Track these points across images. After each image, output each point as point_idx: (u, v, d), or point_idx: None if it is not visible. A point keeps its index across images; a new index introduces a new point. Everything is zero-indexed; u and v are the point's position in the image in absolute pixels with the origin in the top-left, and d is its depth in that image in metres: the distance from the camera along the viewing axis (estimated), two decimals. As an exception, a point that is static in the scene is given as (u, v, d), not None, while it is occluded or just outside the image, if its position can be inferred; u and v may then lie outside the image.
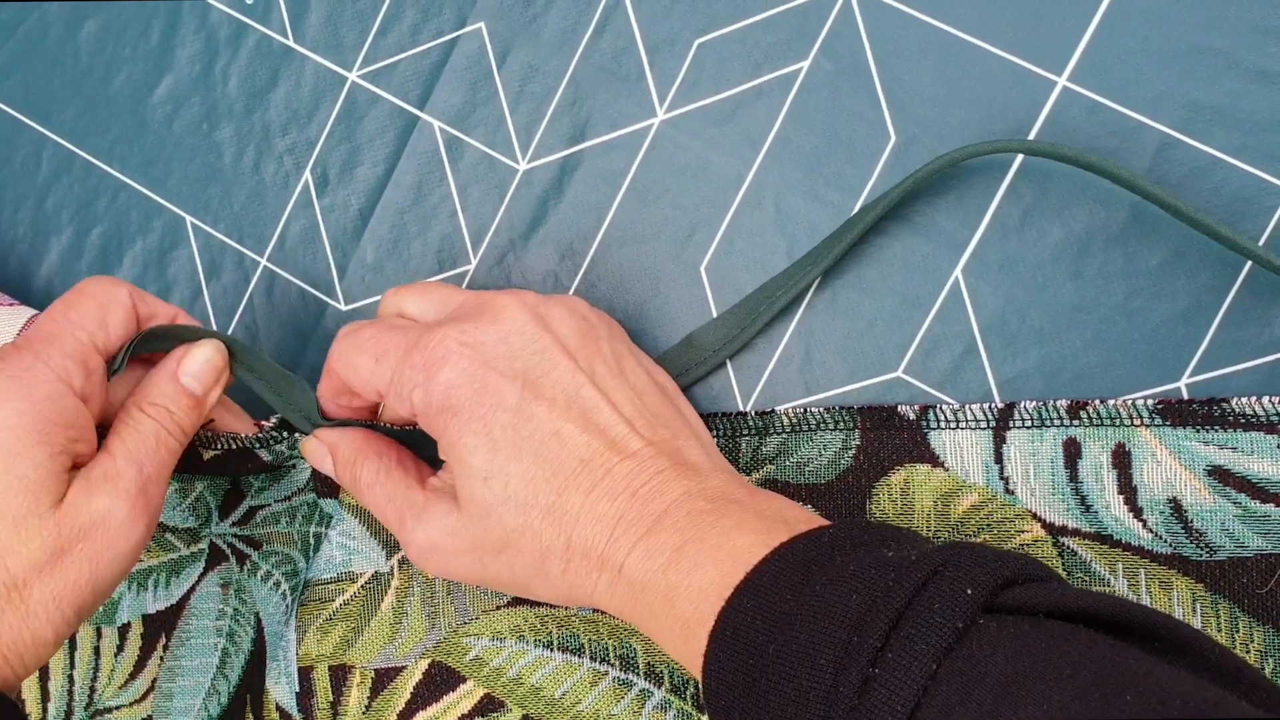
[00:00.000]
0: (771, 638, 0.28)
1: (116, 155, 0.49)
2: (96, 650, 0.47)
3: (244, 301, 0.47)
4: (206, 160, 0.47)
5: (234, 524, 0.45)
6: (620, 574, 0.33)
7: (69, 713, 0.47)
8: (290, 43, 0.46)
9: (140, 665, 0.46)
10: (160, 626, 0.46)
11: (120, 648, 0.47)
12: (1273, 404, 0.34)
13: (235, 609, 0.45)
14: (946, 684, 0.25)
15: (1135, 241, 0.37)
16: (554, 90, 0.43)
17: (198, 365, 0.39)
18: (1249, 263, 0.36)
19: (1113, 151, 0.37)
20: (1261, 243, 0.36)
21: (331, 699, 0.43)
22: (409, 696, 0.42)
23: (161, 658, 0.46)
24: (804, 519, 0.33)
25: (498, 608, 0.41)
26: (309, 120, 0.46)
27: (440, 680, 0.42)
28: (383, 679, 0.42)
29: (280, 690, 0.43)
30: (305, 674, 0.43)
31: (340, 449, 0.39)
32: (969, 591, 0.27)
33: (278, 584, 0.44)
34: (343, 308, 0.45)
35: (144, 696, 0.46)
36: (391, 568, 0.42)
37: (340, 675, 0.43)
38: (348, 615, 0.43)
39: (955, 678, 0.25)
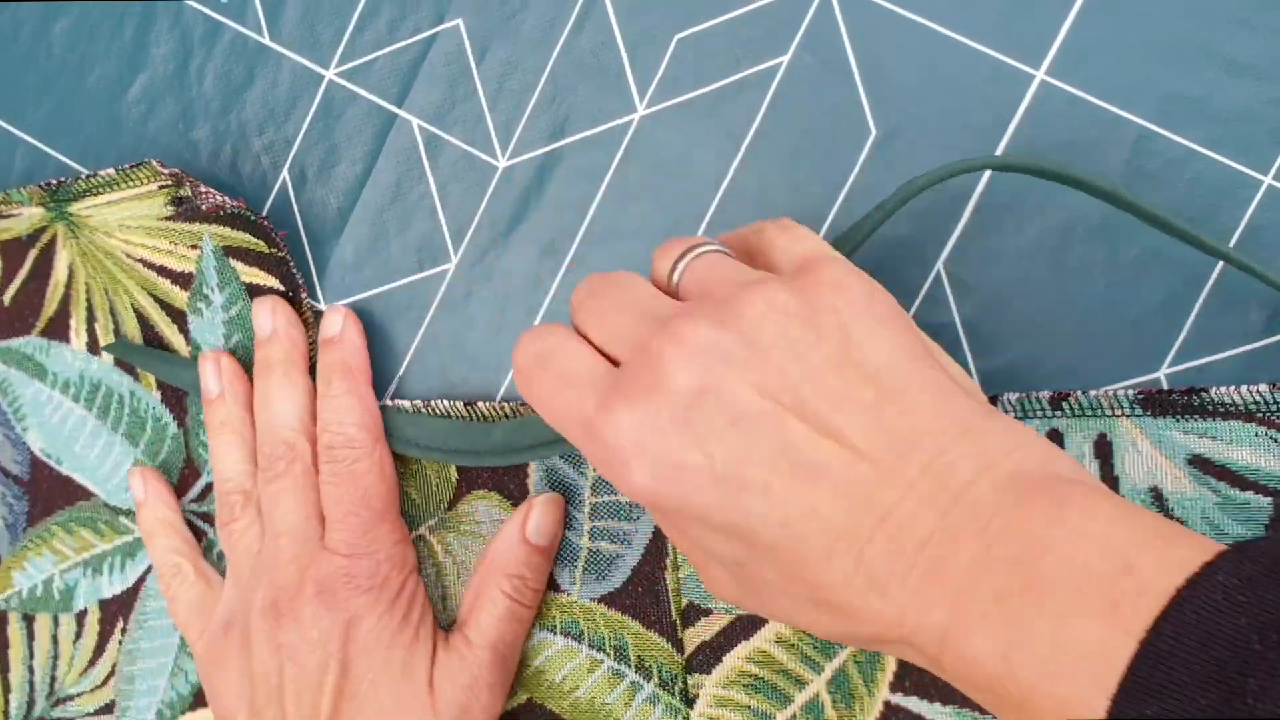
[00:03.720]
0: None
1: (91, 155, 0.48)
2: (55, 639, 0.47)
3: (222, 302, 0.47)
4: (182, 159, 0.47)
5: (192, 500, 0.45)
6: (942, 669, 0.27)
7: (31, 704, 0.47)
8: (266, 40, 0.46)
9: (99, 651, 0.46)
10: (117, 610, 0.46)
11: (78, 635, 0.47)
12: (1251, 392, 0.35)
13: None
14: None
15: (1115, 233, 0.37)
16: (533, 86, 0.43)
17: (547, 522, 0.40)
18: (1227, 253, 0.36)
19: (1091, 143, 0.37)
20: (1238, 233, 0.36)
21: None
22: None
23: (120, 642, 0.46)
24: (1148, 553, 0.24)
25: None
26: (286, 119, 0.46)
27: None
28: None
29: None
30: None
31: None
32: None
33: None
34: (322, 307, 0.45)
35: (105, 682, 0.46)
36: None
37: None
38: None
39: None
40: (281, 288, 0.44)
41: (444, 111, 0.44)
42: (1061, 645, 0.23)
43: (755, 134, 0.40)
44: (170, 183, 0.44)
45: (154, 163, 0.43)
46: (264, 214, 0.46)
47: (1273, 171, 0.36)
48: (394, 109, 0.44)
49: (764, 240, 0.34)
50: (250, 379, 0.44)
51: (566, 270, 0.42)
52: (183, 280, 0.45)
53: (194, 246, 0.45)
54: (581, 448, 0.31)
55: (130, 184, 0.44)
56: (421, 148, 0.44)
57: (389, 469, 0.42)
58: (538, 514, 0.40)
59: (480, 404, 0.41)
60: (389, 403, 0.43)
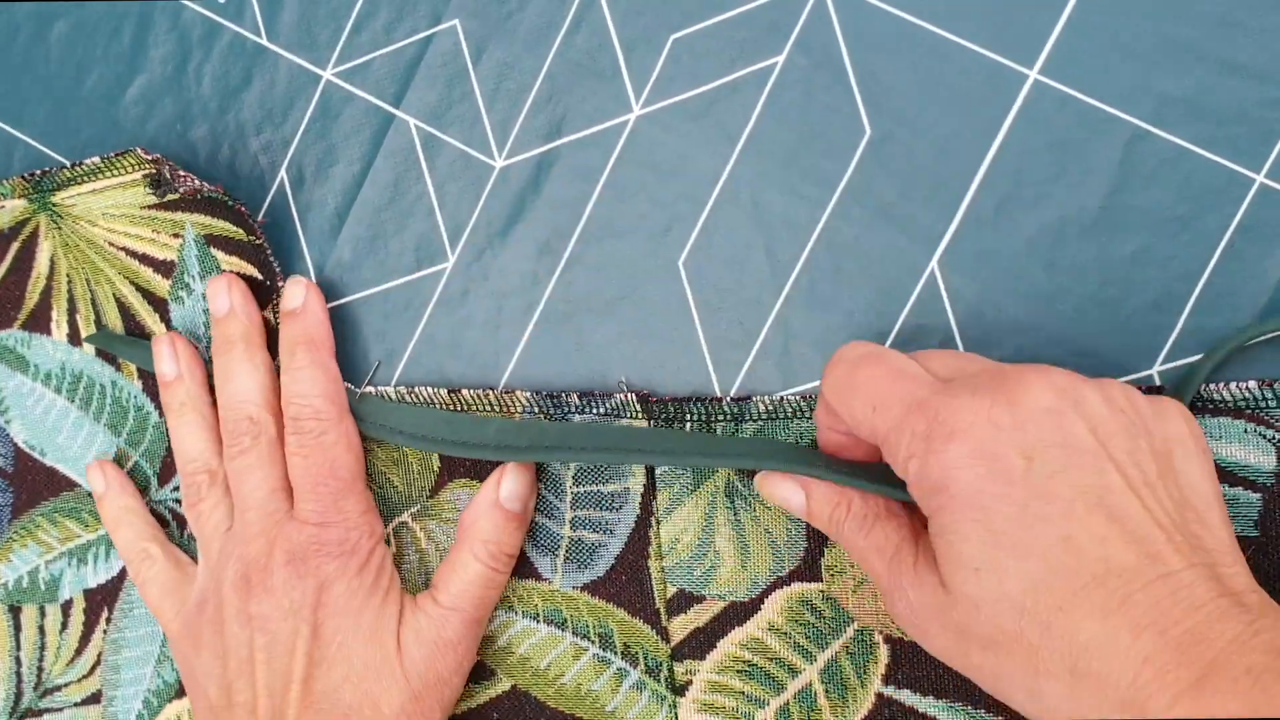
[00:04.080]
0: None
1: (89, 155, 0.48)
2: (41, 629, 0.47)
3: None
4: (181, 160, 0.47)
5: (174, 489, 0.46)
6: None
7: (19, 695, 0.47)
8: (264, 41, 0.46)
9: (85, 640, 0.47)
10: (102, 600, 0.47)
11: (64, 625, 0.47)
12: (1241, 389, 0.35)
13: None
14: None
15: (1108, 232, 0.37)
16: (530, 87, 0.43)
17: (520, 486, 0.41)
18: (1219, 252, 0.36)
19: (1084, 143, 0.37)
20: (1230, 231, 0.36)
21: None
22: None
23: (105, 631, 0.46)
24: None
25: None
26: (284, 119, 0.46)
27: None
28: None
29: None
30: None
31: (817, 487, 0.37)
32: None
33: None
34: (320, 307, 0.45)
35: (91, 671, 0.47)
36: (387, 536, 0.43)
37: None
38: None
39: None
40: (260, 276, 0.44)
41: (441, 112, 0.44)
42: None
43: (750, 134, 0.41)
44: (152, 170, 0.44)
45: (138, 151, 0.44)
46: (261, 214, 0.46)
47: (1265, 170, 0.36)
48: (391, 109, 0.45)
49: None
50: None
51: (563, 269, 0.43)
52: (164, 268, 0.45)
53: (176, 235, 0.45)
54: (893, 433, 0.32)
55: (115, 172, 0.45)
56: (419, 148, 0.44)
57: (355, 439, 0.42)
58: (510, 479, 0.41)
59: (464, 391, 0.42)
60: (370, 390, 0.43)
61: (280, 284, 0.44)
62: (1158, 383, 0.37)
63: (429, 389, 0.42)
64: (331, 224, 0.45)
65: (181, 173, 0.44)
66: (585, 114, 0.42)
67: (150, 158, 0.44)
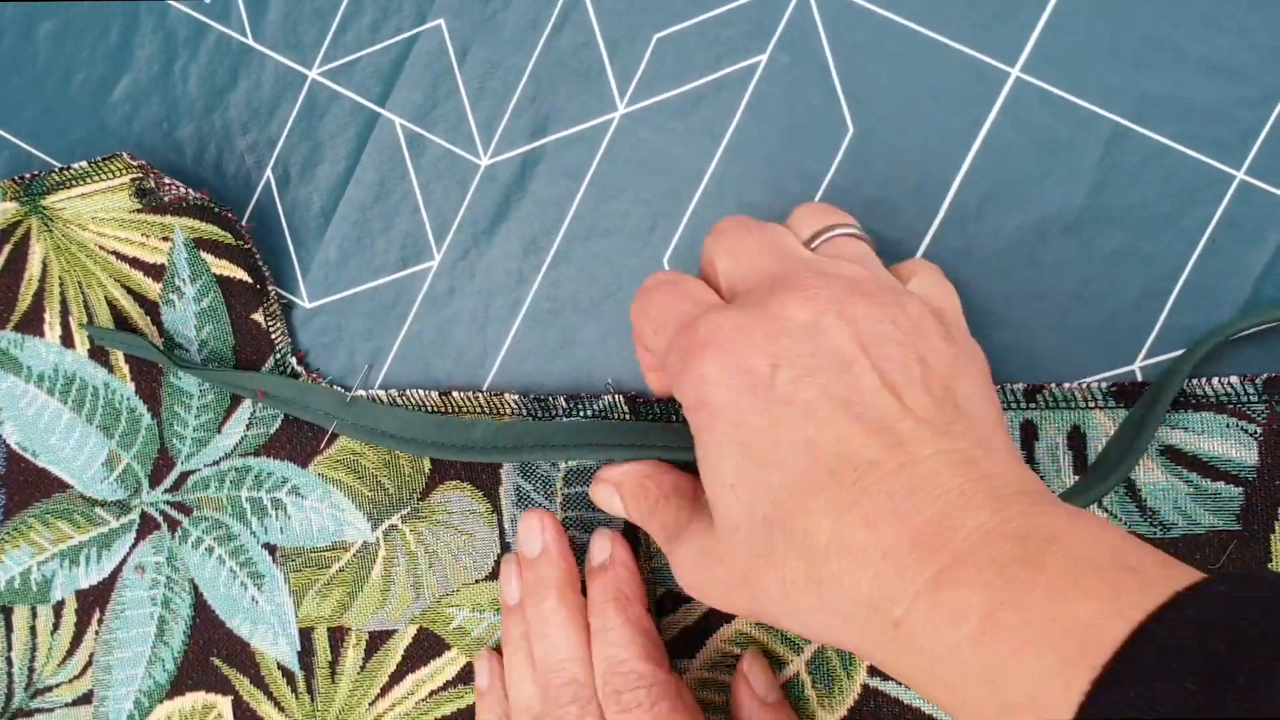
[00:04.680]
0: None
1: (77, 156, 0.48)
2: (33, 630, 0.47)
3: (206, 301, 0.47)
4: (167, 160, 0.47)
5: (166, 490, 0.46)
6: (899, 630, 0.26)
7: (10, 695, 0.47)
8: (249, 41, 0.46)
9: (77, 641, 0.47)
10: (94, 601, 0.47)
11: (56, 626, 0.47)
12: (1223, 384, 0.35)
13: (168, 577, 0.46)
14: None
15: (1090, 229, 0.38)
16: (515, 86, 0.43)
17: (768, 676, 0.39)
18: (1200, 249, 0.37)
19: (1066, 140, 0.38)
20: (1211, 228, 0.37)
21: (330, 658, 0.44)
22: (400, 658, 0.43)
23: (97, 632, 0.46)
24: (1150, 559, 0.24)
25: (476, 581, 0.42)
26: (270, 118, 0.46)
27: (428, 645, 0.43)
28: (376, 641, 0.44)
29: (280, 650, 0.45)
30: (306, 634, 0.44)
31: (625, 485, 0.37)
32: None
33: (210, 550, 0.45)
34: (306, 305, 0.45)
35: (83, 672, 0.47)
36: (378, 539, 0.43)
37: (338, 636, 0.44)
38: (343, 580, 0.44)
39: None
40: (249, 279, 0.44)
41: (426, 110, 0.44)
42: (1054, 615, 0.23)
43: (734, 132, 0.41)
44: (139, 175, 0.44)
45: (125, 155, 0.44)
46: (248, 213, 0.46)
47: (1245, 167, 0.36)
48: (377, 108, 0.45)
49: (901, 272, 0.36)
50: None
51: (549, 267, 0.43)
52: (155, 272, 0.46)
53: (165, 238, 0.45)
54: (665, 353, 0.32)
55: (102, 176, 0.45)
56: (404, 146, 0.44)
57: (690, 698, 0.37)
58: (757, 673, 0.38)
59: (455, 393, 0.42)
60: (361, 394, 0.43)
61: (270, 287, 0.44)
62: (1139, 378, 0.37)
63: (419, 391, 0.42)
64: (317, 223, 0.45)
65: (167, 180, 0.44)
66: (570, 113, 0.42)
67: (137, 163, 0.44)
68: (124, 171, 0.44)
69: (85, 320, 0.46)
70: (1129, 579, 0.23)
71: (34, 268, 0.47)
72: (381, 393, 0.43)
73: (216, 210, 0.44)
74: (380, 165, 0.44)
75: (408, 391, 0.43)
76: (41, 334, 0.47)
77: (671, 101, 0.41)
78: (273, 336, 0.44)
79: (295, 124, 0.46)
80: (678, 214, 0.41)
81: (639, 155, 0.42)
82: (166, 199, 0.44)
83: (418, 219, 0.44)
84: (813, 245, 0.35)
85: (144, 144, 0.48)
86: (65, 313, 0.47)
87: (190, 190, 0.44)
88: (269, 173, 0.46)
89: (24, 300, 0.47)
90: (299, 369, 0.44)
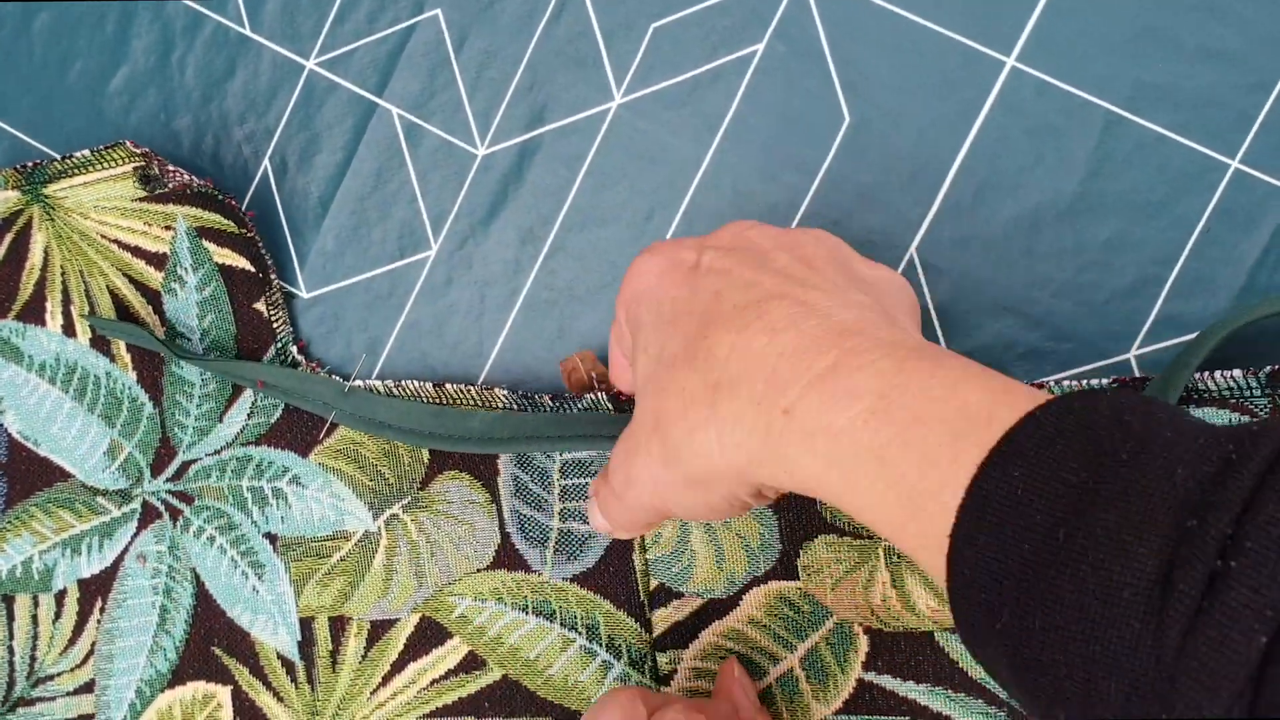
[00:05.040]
0: (1059, 519, 0.22)
1: (74, 148, 0.49)
2: (34, 619, 0.47)
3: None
4: (165, 150, 0.47)
5: (168, 480, 0.46)
6: (789, 416, 0.26)
7: (11, 684, 0.48)
8: (247, 32, 0.46)
9: (79, 630, 0.47)
10: (96, 590, 0.47)
11: (58, 615, 0.47)
12: (1226, 378, 0.35)
13: (170, 566, 0.46)
14: None
15: (1084, 218, 0.38)
16: (511, 75, 0.43)
17: None
18: (1194, 237, 0.37)
19: (1060, 130, 0.38)
20: (1205, 216, 0.37)
21: (331, 648, 0.44)
22: (402, 647, 0.43)
23: (99, 621, 0.47)
24: (1035, 390, 0.25)
25: (478, 570, 0.42)
26: (267, 109, 0.46)
27: (430, 634, 0.43)
28: (378, 630, 0.44)
29: (280, 640, 0.45)
30: (307, 624, 0.44)
31: (601, 499, 0.36)
32: None
33: (212, 539, 0.45)
34: (304, 295, 0.45)
35: (84, 661, 0.47)
36: (379, 528, 0.43)
37: (339, 626, 0.44)
38: (345, 570, 0.44)
39: None
40: (252, 268, 0.44)
41: (423, 101, 0.44)
42: (946, 398, 0.24)
43: (731, 121, 0.41)
44: (143, 163, 0.44)
45: (128, 143, 0.44)
46: (245, 203, 0.46)
47: (1239, 155, 0.36)
48: (374, 98, 0.45)
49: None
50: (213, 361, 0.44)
51: (545, 257, 0.43)
52: (157, 260, 0.46)
53: (168, 227, 0.45)
54: (618, 305, 0.33)
55: (105, 164, 0.45)
56: (401, 136, 0.44)
57: None
58: (747, 681, 0.38)
59: (448, 385, 0.42)
60: (359, 384, 0.43)
61: (273, 277, 0.44)
62: (1135, 366, 0.37)
63: (414, 383, 0.42)
64: (315, 213, 0.45)
65: (170, 167, 0.44)
66: (567, 102, 0.42)
67: (140, 151, 0.44)
68: (127, 160, 0.44)
69: (87, 309, 0.46)
70: (1017, 385, 0.25)
71: (36, 257, 0.47)
72: (378, 383, 0.43)
73: (220, 197, 0.44)
74: (378, 155, 0.45)
75: (404, 382, 0.43)
76: (43, 323, 0.47)
77: (668, 91, 0.41)
78: (274, 325, 0.44)
79: (293, 114, 0.46)
80: (674, 203, 0.41)
81: (636, 145, 0.42)
82: (170, 185, 0.44)
83: (415, 209, 0.44)
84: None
85: (141, 135, 0.48)
86: (67, 302, 0.47)
87: (194, 177, 0.44)
88: (266, 163, 0.46)
89: (26, 289, 0.47)
90: (299, 358, 0.44)
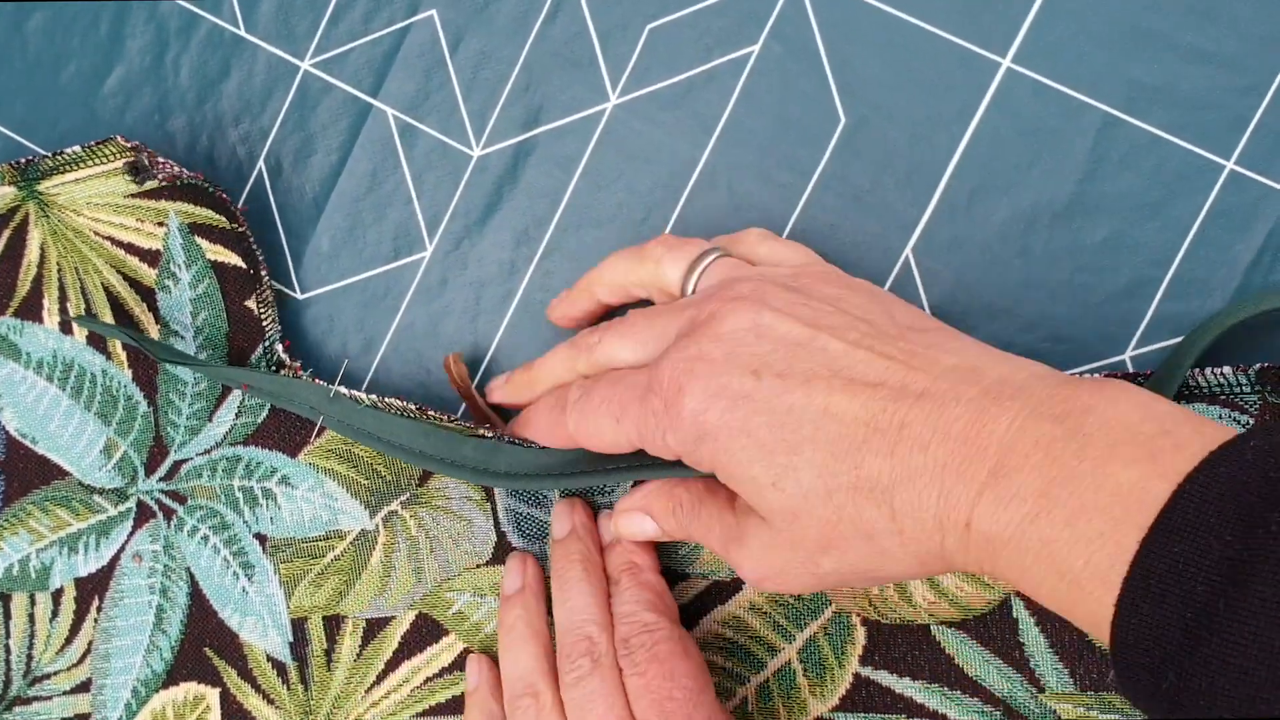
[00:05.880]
0: (1218, 590, 0.24)
1: (69, 147, 0.48)
2: (31, 617, 0.47)
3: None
4: (159, 150, 0.47)
5: (161, 479, 0.46)
6: (970, 530, 0.28)
7: (8, 682, 0.47)
8: (241, 32, 0.46)
9: (75, 629, 0.47)
10: (93, 589, 0.47)
11: (54, 613, 0.47)
12: (1216, 375, 0.35)
13: (166, 565, 0.46)
14: None
15: (1080, 218, 0.38)
16: (507, 76, 0.43)
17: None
18: (1190, 238, 0.37)
19: (1056, 131, 0.38)
20: (1201, 218, 0.37)
21: (326, 646, 0.44)
22: (397, 645, 0.43)
23: (96, 620, 0.46)
24: (1182, 419, 0.27)
25: (478, 565, 0.42)
26: (262, 110, 0.46)
27: (426, 631, 0.43)
28: (374, 628, 0.44)
29: (270, 642, 0.44)
30: (299, 625, 0.44)
31: (654, 504, 0.38)
32: None
33: (206, 538, 0.45)
34: (299, 296, 0.45)
35: (81, 659, 0.47)
36: (376, 525, 0.43)
37: (334, 624, 0.44)
38: (339, 569, 0.44)
39: None
40: (243, 264, 0.44)
41: (418, 101, 0.44)
42: (1101, 484, 0.26)
43: (726, 122, 0.41)
44: (133, 156, 0.44)
45: (118, 138, 0.44)
46: (242, 202, 0.46)
47: (1235, 156, 0.37)
48: (369, 99, 0.45)
49: (746, 247, 0.39)
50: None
51: (540, 257, 0.43)
52: (150, 257, 0.45)
53: (160, 224, 0.45)
54: (641, 426, 0.34)
55: (96, 160, 0.45)
56: (396, 137, 0.44)
57: (692, 647, 0.38)
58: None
59: (430, 412, 0.41)
60: (343, 390, 0.41)
61: (263, 273, 0.44)
62: (1130, 367, 0.37)
63: (399, 400, 0.41)
64: (310, 214, 0.45)
65: (160, 159, 0.44)
66: (562, 103, 0.42)
67: (130, 145, 0.44)
68: (118, 155, 0.44)
69: (83, 306, 0.46)
70: (1165, 441, 0.26)
71: (33, 253, 0.47)
72: (362, 395, 0.42)
73: (211, 190, 0.44)
74: (373, 156, 0.44)
75: (388, 399, 0.41)
76: (41, 320, 0.47)
77: (664, 92, 0.41)
78: (264, 323, 0.44)
79: (287, 115, 0.46)
80: (670, 204, 0.41)
81: (631, 146, 0.42)
82: (160, 177, 0.44)
83: (410, 210, 0.44)
84: (691, 280, 0.38)
85: (136, 135, 0.47)
86: (63, 299, 0.47)
87: (184, 170, 0.44)
88: (261, 164, 0.46)
89: (23, 285, 0.47)
90: (284, 357, 0.44)
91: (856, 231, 0.39)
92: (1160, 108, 0.37)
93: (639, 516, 0.39)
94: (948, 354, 0.31)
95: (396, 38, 0.44)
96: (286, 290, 0.45)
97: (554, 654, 0.39)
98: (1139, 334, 0.37)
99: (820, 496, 0.30)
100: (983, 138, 0.38)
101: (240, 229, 0.44)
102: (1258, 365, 0.35)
